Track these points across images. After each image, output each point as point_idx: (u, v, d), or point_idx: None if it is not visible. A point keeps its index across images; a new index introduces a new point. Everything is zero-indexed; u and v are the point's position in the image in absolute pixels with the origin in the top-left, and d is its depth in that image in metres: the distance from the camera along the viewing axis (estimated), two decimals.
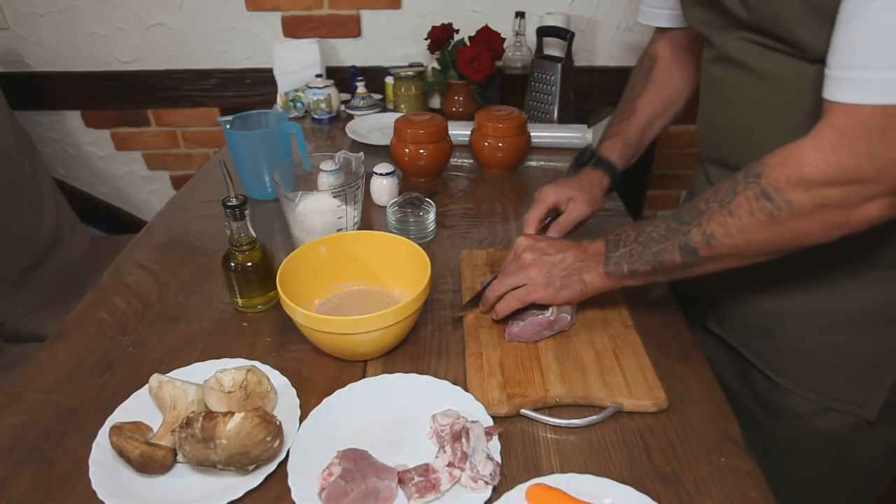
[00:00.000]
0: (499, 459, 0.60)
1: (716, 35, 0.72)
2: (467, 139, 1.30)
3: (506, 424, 0.66)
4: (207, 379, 0.66)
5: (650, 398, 0.68)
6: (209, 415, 0.58)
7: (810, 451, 0.78)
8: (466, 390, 0.69)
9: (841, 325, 0.71)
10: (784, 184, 0.56)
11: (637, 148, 0.96)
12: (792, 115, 0.65)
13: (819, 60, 0.59)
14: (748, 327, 0.80)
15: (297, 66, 1.62)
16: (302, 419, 0.66)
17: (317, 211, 0.92)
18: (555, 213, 0.89)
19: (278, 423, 0.61)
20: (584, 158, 0.96)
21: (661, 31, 0.95)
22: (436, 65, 1.53)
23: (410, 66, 1.58)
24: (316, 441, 0.63)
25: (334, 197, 0.93)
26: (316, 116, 1.55)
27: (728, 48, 0.70)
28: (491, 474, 0.58)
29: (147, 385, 0.68)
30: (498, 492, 0.58)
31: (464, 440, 0.60)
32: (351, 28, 1.68)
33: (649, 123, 0.95)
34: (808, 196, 0.55)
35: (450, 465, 0.59)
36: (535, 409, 0.67)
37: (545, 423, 0.67)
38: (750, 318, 0.79)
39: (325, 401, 0.68)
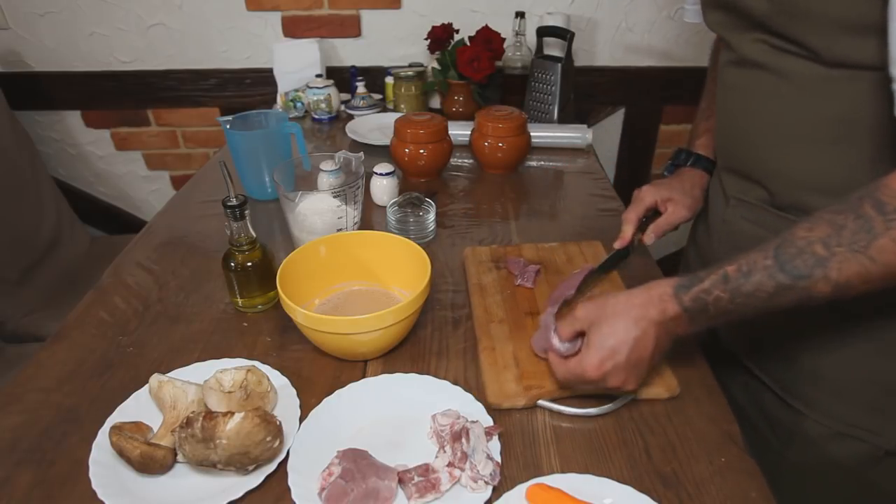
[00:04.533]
0: (499, 459, 0.60)
1: (733, 37, 0.70)
2: (467, 139, 1.30)
3: (506, 423, 0.66)
4: (207, 379, 0.66)
5: (663, 385, 0.69)
6: (209, 415, 0.58)
7: (824, 480, 0.74)
8: (466, 390, 0.69)
9: (860, 349, 0.68)
10: None
11: None
12: (811, 121, 0.63)
13: (837, 64, 0.57)
14: (761, 346, 0.77)
15: (297, 66, 1.62)
16: (302, 419, 0.66)
17: (317, 211, 0.92)
18: (653, 213, 0.88)
19: (278, 423, 0.61)
20: (679, 159, 0.93)
21: None
22: (436, 65, 1.53)
23: (410, 66, 1.58)
24: (316, 441, 0.63)
25: (334, 197, 0.93)
26: (316, 116, 1.55)
27: (745, 50, 0.68)
28: (491, 474, 0.58)
29: (147, 385, 0.68)
30: (498, 492, 0.58)
31: (464, 440, 0.60)
32: (351, 28, 1.68)
33: None
34: None
35: (450, 465, 0.59)
36: (552, 400, 0.68)
37: (562, 413, 0.67)
38: (763, 336, 0.76)
39: (325, 401, 0.68)
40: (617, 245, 0.88)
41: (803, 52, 0.60)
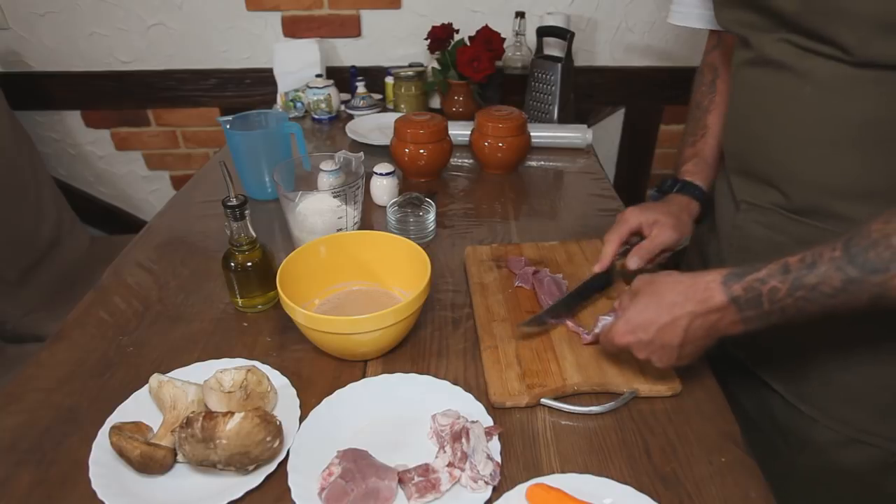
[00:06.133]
0: (499, 459, 0.60)
1: (754, 36, 0.68)
2: (467, 139, 1.30)
3: (506, 423, 0.67)
4: (207, 379, 0.66)
5: (664, 383, 0.69)
6: (209, 415, 0.58)
7: (834, 488, 0.73)
8: (466, 390, 0.69)
9: (872, 353, 0.66)
10: None
11: (717, 168, 0.87)
12: (834, 123, 0.62)
13: (866, 64, 0.56)
14: (768, 350, 0.76)
15: (297, 66, 1.62)
16: (302, 419, 0.66)
17: (317, 211, 0.92)
18: (638, 237, 0.81)
19: (278, 423, 0.61)
20: (665, 186, 0.88)
21: (714, 39, 0.90)
22: (436, 65, 1.53)
23: (410, 66, 1.58)
24: (316, 441, 0.63)
25: (334, 197, 0.93)
26: (316, 116, 1.55)
27: (766, 49, 0.66)
28: (491, 474, 0.58)
29: (147, 385, 0.68)
30: (498, 492, 0.58)
31: (464, 440, 0.60)
32: (351, 28, 1.68)
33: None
34: None
35: (450, 465, 0.59)
36: (555, 399, 0.68)
37: (565, 412, 0.67)
38: (771, 340, 0.73)
39: (325, 401, 0.68)
40: (596, 268, 0.80)
41: (831, 51, 0.59)
